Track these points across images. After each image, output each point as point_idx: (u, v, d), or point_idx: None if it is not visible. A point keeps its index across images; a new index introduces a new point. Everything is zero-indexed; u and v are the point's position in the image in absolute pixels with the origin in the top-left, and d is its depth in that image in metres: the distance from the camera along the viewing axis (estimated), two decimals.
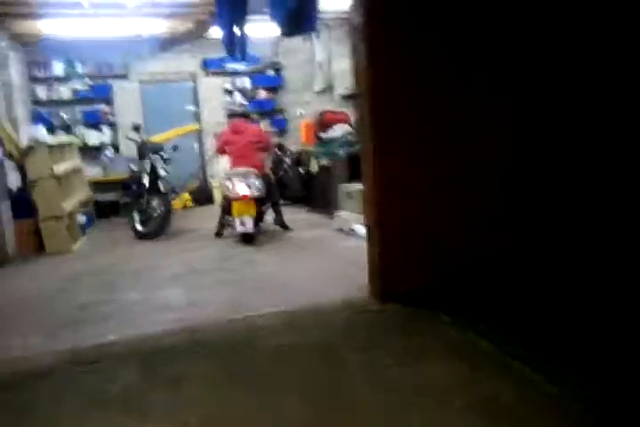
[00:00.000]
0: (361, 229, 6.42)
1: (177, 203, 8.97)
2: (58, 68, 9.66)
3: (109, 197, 9.49)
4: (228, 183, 6.60)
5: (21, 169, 6.81)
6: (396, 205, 3.99)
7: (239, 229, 6.43)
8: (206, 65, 10.44)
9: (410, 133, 3.99)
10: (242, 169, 6.69)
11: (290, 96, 10.69)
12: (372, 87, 3.93)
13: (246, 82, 10.68)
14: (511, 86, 4.06)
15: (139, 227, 7.43)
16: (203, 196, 10.09)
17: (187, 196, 9.87)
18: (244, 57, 5.69)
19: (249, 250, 6.33)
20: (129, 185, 8.36)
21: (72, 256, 6.67)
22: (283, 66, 10.70)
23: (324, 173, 8.42)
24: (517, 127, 4.09)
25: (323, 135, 8.35)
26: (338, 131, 8.21)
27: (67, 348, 3.57)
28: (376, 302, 4.01)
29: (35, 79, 9.58)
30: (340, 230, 6.84)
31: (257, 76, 10.72)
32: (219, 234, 7.09)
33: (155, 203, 7.43)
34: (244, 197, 6.45)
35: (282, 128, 10.85)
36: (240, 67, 10.52)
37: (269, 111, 10.73)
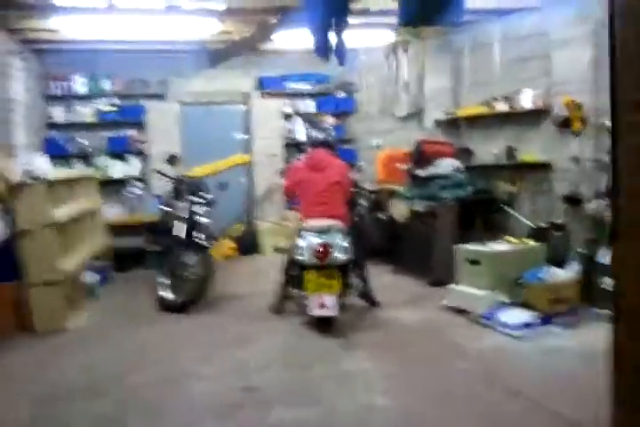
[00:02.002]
0: (503, 317, 4.17)
1: (217, 253, 6.81)
2: (80, 85, 7.78)
3: (133, 242, 7.40)
4: (301, 242, 4.44)
5: (10, 213, 4.84)
6: None
7: (315, 312, 4.22)
8: (262, 84, 8.47)
9: None
10: (321, 222, 4.55)
11: (363, 123, 8.58)
12: None
13: (310, 105, 8.61)
14: None
15: (166, 294, 5.31)
16: (248, 243, 7.98)
17: (229, 244, 7.76)
18: (342, 63, 4.07)
19: (331, 346, 4.09)
20: (155, 228, 6.30)
21: (67, 340, 4.56)
22: (357, 86, 8.63)
23: (417, 222, 6.24)
24: None
25: (420, 173, 6.16)
26: (441, 167, 6.02)
27: None
28: None
29: (50, 97, 7.70)
30: (461, 313, 4.59)
31: (323, 99, 8.65)
32: (278, 311, 4.92)
33: (190, 261, 5.33)
34: (322, 256, 4.26)
35: (351, 161, 8.69)
36: (304, 87, 8.49)
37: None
